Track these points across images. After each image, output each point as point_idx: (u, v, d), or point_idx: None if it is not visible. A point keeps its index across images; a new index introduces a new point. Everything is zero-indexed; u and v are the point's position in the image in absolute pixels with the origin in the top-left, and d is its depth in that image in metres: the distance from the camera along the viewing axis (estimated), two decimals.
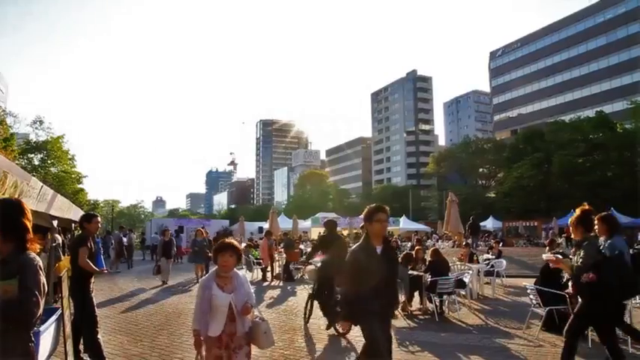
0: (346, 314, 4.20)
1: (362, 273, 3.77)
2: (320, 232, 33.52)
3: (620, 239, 5.03)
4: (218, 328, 3.43)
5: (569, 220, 4.92)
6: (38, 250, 2.49)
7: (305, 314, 7.99)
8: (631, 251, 6.77)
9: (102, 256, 6.88)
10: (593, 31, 73.16)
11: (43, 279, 2.38)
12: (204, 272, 13.07)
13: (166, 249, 14.51)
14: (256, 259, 16.23)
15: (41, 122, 37.55)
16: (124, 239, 21.00)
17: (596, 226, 4.93)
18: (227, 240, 3.74)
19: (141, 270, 18.48)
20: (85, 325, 5.35)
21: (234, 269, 3.67)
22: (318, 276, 7.89)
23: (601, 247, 4.74)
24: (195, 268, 14.26)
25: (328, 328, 7.30)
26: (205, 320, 3.43)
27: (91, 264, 5.49)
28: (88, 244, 5.53)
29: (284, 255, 16.29)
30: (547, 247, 13.31)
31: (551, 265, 5.52)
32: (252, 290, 3.71)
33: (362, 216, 4.23)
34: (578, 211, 4.79)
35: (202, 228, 17.12)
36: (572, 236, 4.82)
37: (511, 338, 6.91)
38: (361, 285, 3.76)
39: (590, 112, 54.24)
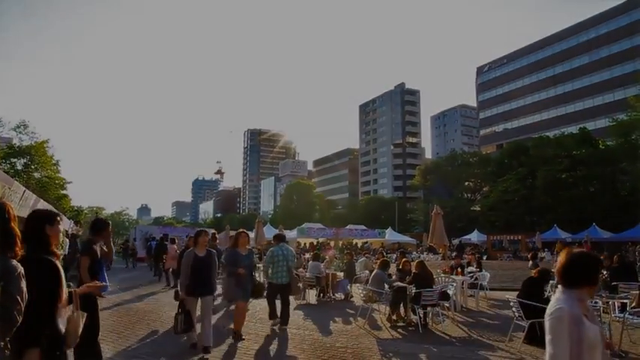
0: None
1: None
2: (312, 242, 33.65)
3: None
4: None
5: None
6: (19, 257, 2.42)
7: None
8: None
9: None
10: (577, 49, 75.01)
11: (24, 287, 2.32)
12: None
13: (202, 274, 6.16)
14: None
15: (25, 126, 36.93)
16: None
17: None
18: None
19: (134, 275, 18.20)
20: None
21: None
22: None
23: None
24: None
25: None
26: None
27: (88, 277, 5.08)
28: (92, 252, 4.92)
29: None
30: (530, 262, 13.51)
31: None
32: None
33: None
34: None
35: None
36: None
37: (494, 351, 6.95)
38: None
39: (573, 129, 55.18)
